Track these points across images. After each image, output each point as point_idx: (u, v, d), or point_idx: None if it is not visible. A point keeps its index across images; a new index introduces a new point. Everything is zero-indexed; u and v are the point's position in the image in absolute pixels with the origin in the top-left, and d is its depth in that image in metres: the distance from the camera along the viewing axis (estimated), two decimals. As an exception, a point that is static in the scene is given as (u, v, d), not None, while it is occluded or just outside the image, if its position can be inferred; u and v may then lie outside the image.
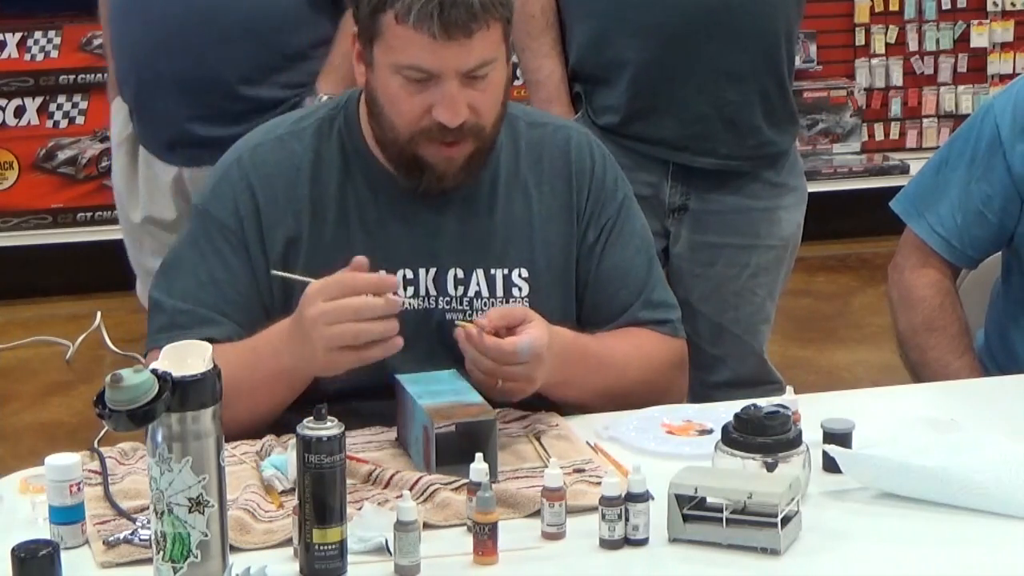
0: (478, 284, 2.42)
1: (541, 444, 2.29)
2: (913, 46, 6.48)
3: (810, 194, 3.35)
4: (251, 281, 2.38)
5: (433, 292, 2.41)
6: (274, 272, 2.34)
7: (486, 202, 2.44)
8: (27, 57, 5.54)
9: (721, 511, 1.99)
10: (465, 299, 2.41)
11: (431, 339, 2.39)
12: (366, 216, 2.41)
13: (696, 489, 2.00)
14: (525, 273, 2.44)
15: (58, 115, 5.60)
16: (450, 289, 2.41)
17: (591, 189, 2.49)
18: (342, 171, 2.42)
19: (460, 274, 2.41)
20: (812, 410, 2.27)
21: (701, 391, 2.70)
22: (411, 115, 2.31)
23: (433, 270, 2.41)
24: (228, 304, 2.36)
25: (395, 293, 2.22)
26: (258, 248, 2.38)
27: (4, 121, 5.57)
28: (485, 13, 2.27)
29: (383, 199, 2.41)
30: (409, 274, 2.40)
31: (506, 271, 2.43)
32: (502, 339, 2.27)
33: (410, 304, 2.37)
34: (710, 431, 2.31)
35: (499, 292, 2.43)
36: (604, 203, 2.50)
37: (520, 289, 2.43)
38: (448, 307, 2.41)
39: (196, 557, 1.85)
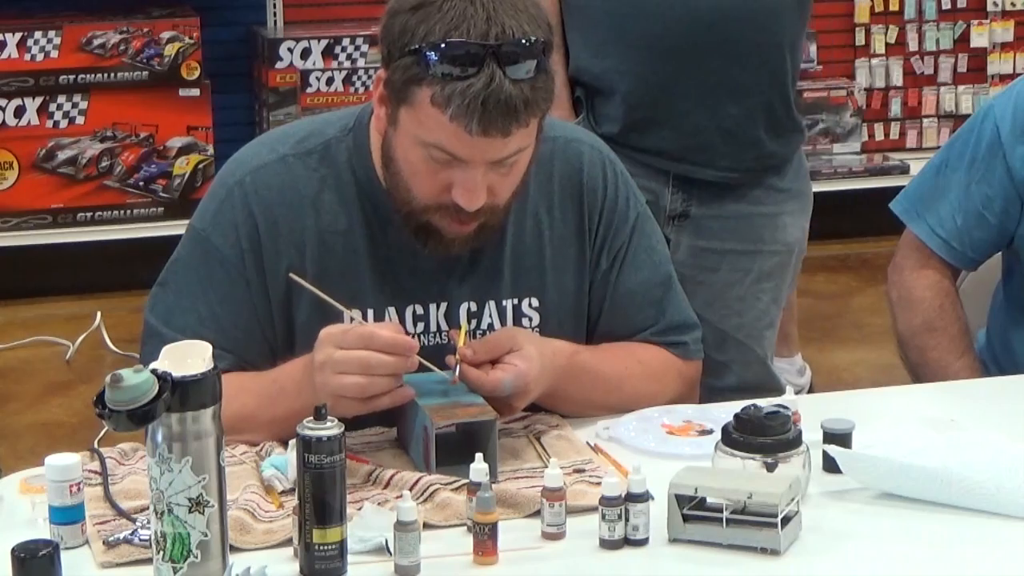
0: (490, 316, 2.37)
1: (541, 444, 2.29)
2: (913, 46, 6.47)
3: (811, 195, 3.33)
4: (252, 316, 2.31)
5: (444, 327, 2.35)
6: (292, 275, 2.25)
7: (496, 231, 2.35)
8: (27, 57, 5.53)
9: (721, 511, 1.99)
10: (478, 332, 2.35)
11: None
12: (376, 251, 2.33)
13: (696, 489, 2.00)
14: (536, 303, 2.38)
15: (58, 115, 5.59)
16: (461, 323, 2.34)
17: (603, 213, 2.42)
18: (351, 203, 2.33)
19: (473, 307, 2.36)
20: (812, 410, 2.27)
21: (707, 396, 2.69)
22: (430, 190, 2.22)
23: (444, 305, 2.35)
24: (229, 341, 2.28)
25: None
26: (259, 283, 2.31)
27: (4, 121, 5.55)
28: (528, 114, 2.15)
29: (392, 233, 2.33)
30: (419, 310, 2.34)
31: (516, 301, 2.38)
32: (484, 375, 2.22)
33: (421, 341, 2.30)
34: (710, 431, 2.30)
35: (509, 323, 2.37)
36: (617, 228, 2.43)
37: (530, 319, 2.38)
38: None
39: (196, 557, 1.85)
